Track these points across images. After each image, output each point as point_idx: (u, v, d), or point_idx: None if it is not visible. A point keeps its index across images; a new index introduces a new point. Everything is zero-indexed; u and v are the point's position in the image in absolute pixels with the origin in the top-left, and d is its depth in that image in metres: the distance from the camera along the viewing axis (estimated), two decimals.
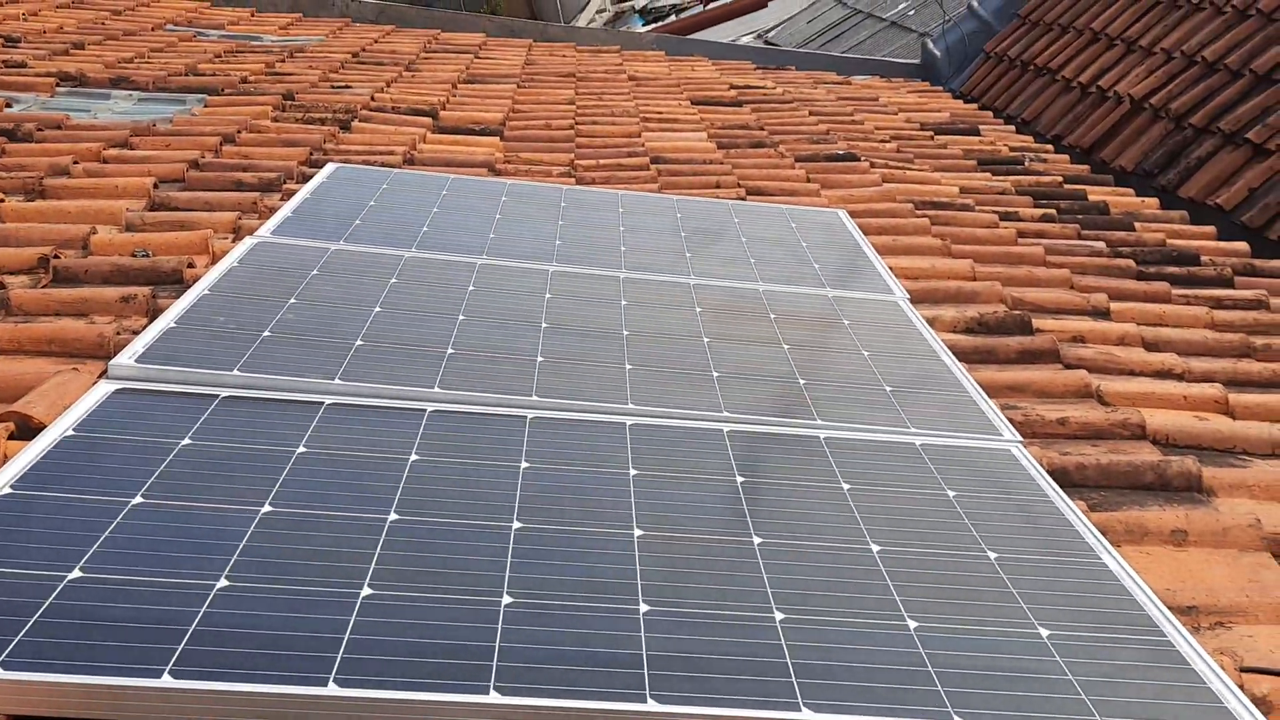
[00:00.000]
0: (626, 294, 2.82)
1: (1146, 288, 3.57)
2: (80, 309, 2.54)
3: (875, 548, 1.77)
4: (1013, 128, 6.28)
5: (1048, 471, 2.25)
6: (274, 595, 1.48)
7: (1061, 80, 6.53)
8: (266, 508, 1.70)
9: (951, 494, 1.98)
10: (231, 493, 1.73)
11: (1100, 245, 3.96)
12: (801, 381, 2.40)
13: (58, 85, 4.83)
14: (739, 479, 1.96)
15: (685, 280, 2.97)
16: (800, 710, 1.37)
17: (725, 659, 1.45)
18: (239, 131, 4.25)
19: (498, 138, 4.74)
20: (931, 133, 5.77)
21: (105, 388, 2.05)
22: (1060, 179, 4.97)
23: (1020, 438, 2.26)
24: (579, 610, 1.52)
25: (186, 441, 1.88)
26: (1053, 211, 4.36)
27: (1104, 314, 3.31)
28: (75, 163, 3.60)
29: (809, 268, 3.19)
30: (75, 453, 1.80)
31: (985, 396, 2.44)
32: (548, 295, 2.74)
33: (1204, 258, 3.94)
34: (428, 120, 4.86)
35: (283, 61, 5.94)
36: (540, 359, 2.36)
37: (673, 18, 18.28)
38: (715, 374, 2.39)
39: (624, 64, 7.08)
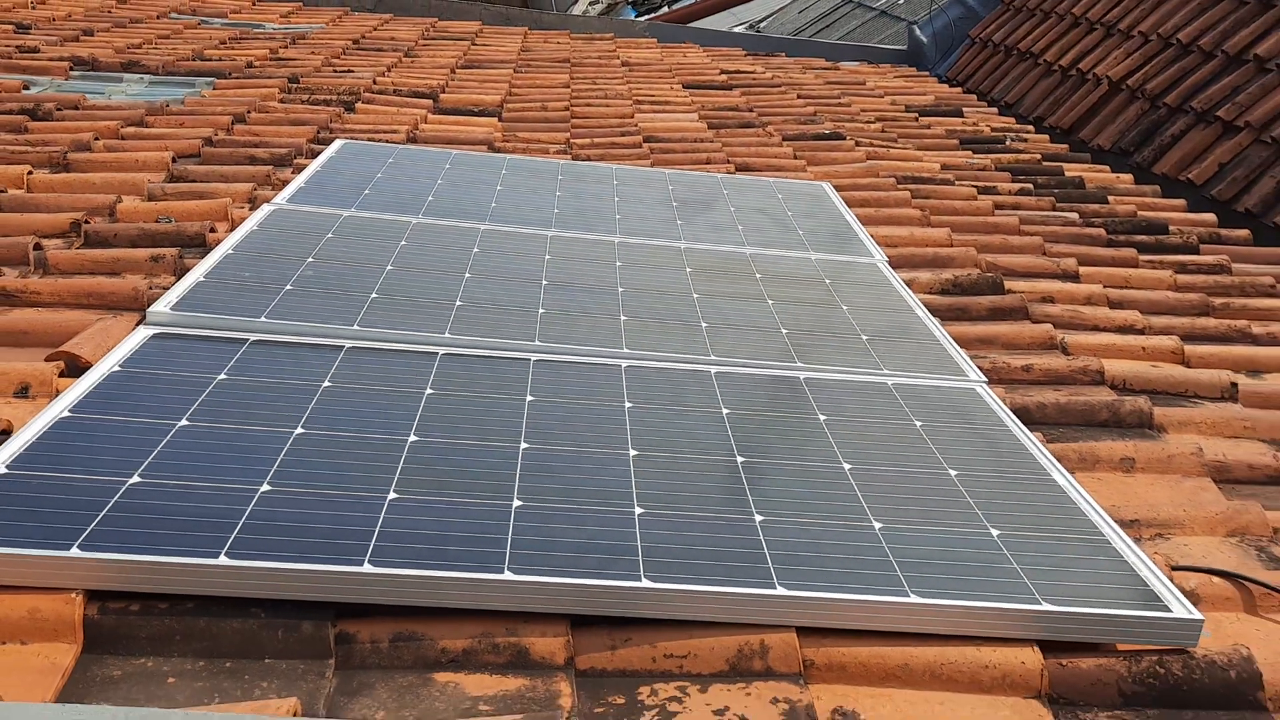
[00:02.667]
0: (621, 256, 3.01)
1: (1115, 253, 3.77)
2: (112, 268, 2.72)
3: (847, 466, 1.97)
4: (995, 110, 6.46)
5: (1012, 411, 2.44)
6: (311, 497, 1.67)
7: (1043, 64, 6.72)
8: (299, 430, 1.89)
9: (919, 424, 2.18)
10: (266, 418, 1.92)
11: (1073, 216, 4.15)
12: (784, 331, 2.60)
13: (71, 69, 5.00)
14: (724, 411, 2.15)
15: (676, 244, 3.16)
16: (775, 587, 1.56)
17: (710, 549, 1.64)
18: (248, 112, 4.43)
19: (496, 118, 4.92)
20: (916, 114, 5.95)
21: (145, 332, 2.23)
22: (1039, 156, 5.16)
23: (985, 378, 2.46)
24: (581, 512, 1.72)
25: (222, 376, 2.07)
26: (1030, 186, 4.55)
27: (1073, 277, 3.50)
28: (96, 139, 3.78)
29: (793, 234, 3.38)
30: (123, 385, 1.99)
31: (955, 345, 2.63)
32: (547, 257, 2.93)
33: (1172, 227, 4.13)
34: (428, 102, 5.03)
35: (285, 48, 6.11)
36: (542, 310, 2.55)
37: (665, 9, 18.43)
38: (704, 324, 2.58)
39: (617, 50, 7.26)
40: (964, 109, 6.21)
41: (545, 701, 1.46)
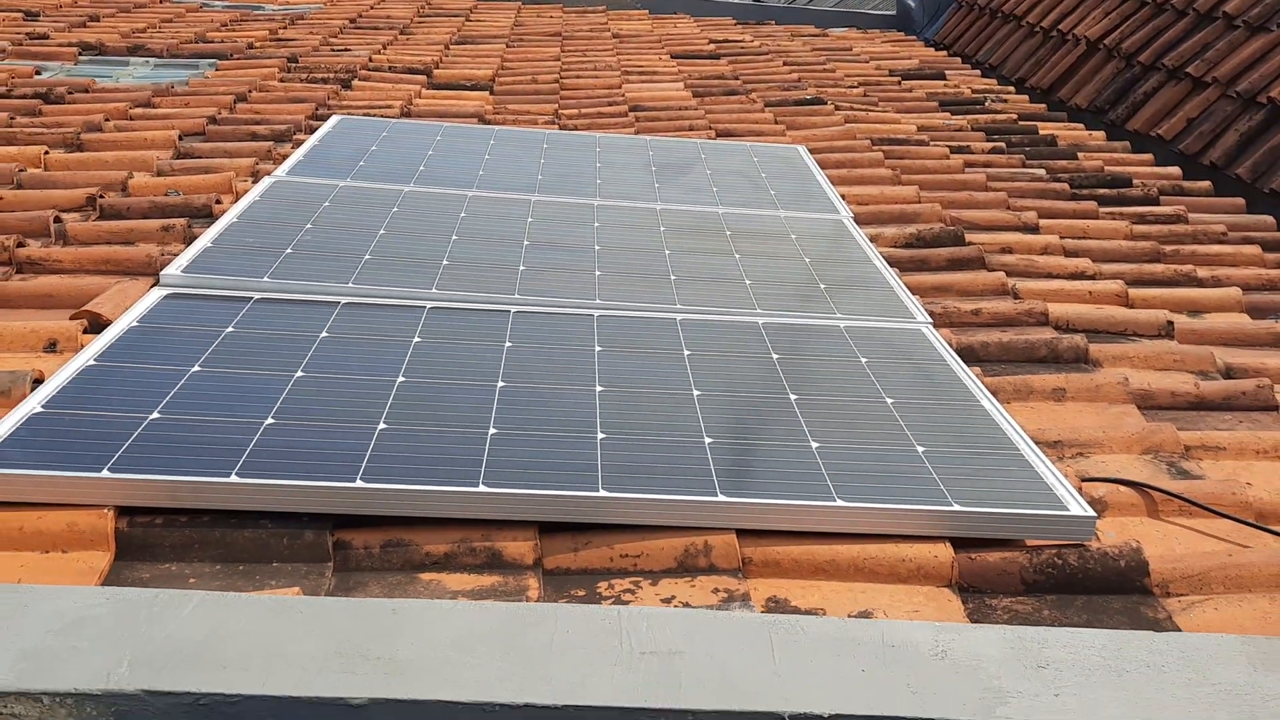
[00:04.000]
0: (599, 217, 3.21)
1: (1076, 206, 3.96)
2: (127, 237, 2.94)
3: (793, 396, 2.18)
4: (978, 72, 6.62)
5: (955, 350, 2.65)
6: (310, 428, 1.89)
7: (1026, 25, 6.87)
8: (299, 373, 2.11)
9: (864, 360, 2.39)
10: (270, 363, 2.14)
11: (1040, 172, 4.34)
12: (747, 282, 2.80)
13: (80, 54, 5.21)
14: (686, 352, 2.36)
15: (652, 205, 3.36)
16: (717, 495, 1.78)
17: (662, 466, 1.86)
18: (249, 91, 4.63)
19: (488, 92, 5.11)
20: (899, 78, 6.12)
21: (159, 292, 2.45)
22: (1015, 116, 5.33)
23: (930, 320, 2.66)
24: (549, 436, 1.93)
25: (230, 329, 2.29)
26: (1002, 145, 4.73)
27: (1033, 229, 3.69)
28: (106, 120, 4.00)
29: (765, 194, 3.58)
30: (141, 338, 2.21)
31: (907, 292, 2.84)
32: (529, 220, 3.14)
33: (1136, 180, 4.31)
34: (422, 78, 5.23)
35: (284, 28, 6.31)
36: (522, 268, 2.76)
37: None
38: (673, 277, 2.79)
39: (609, 23, 7.43)
40: (946, 72, 6.38)
41: (516, 594, 1.68)
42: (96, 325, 2.37)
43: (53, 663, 1.26)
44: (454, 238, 2.93)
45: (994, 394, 2.44)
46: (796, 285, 2.81)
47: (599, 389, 2.15)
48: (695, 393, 2.17)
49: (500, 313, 2.50)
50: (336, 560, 1.72)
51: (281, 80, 4.96)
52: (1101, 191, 4.14)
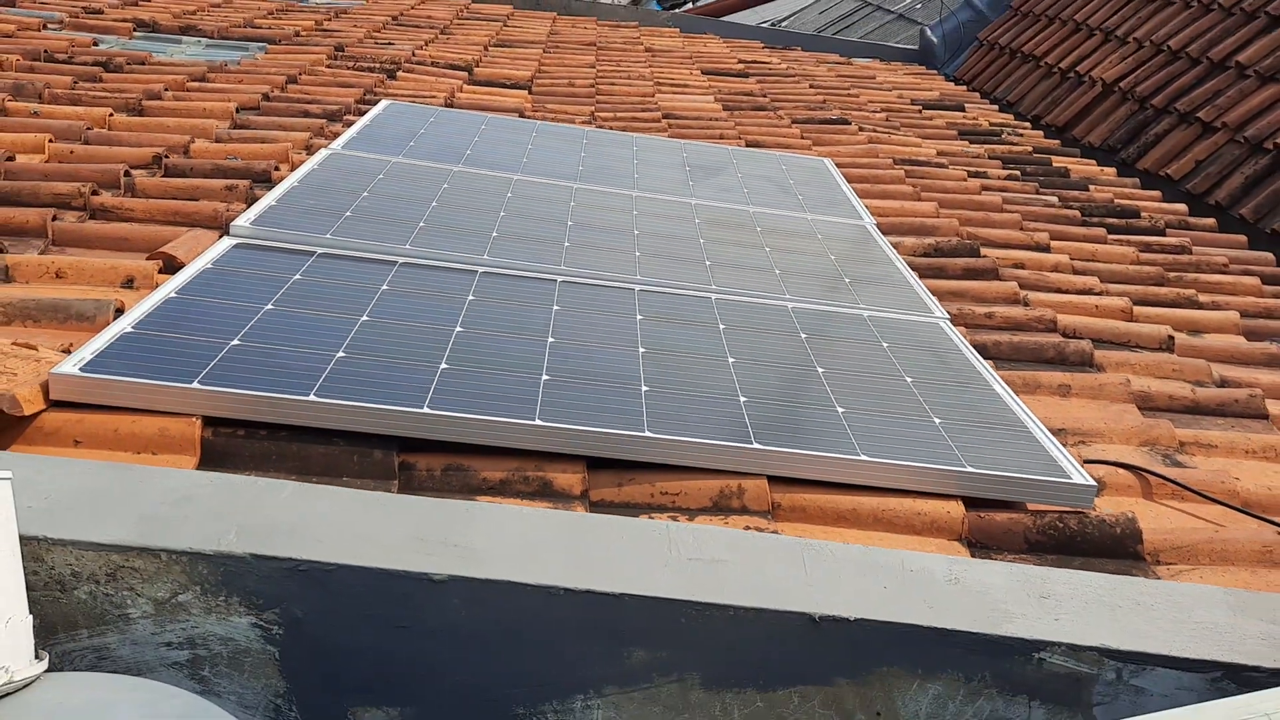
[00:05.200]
0: (637, 207, 3.39)
1: (1086, 231, 4.13)
2: (192, 194, 3.11)
3: (821, 370, 2.35)
4: (996, 107, 6.82)
5: (972, 347, 2.82)
6: (379, 362, 2.05)
7: (1044, 66, 7.08)
8: (365, 317, 2.27)
9: (885, 345, 2.56)
10: (337, 308, 2.30)
11: (1053, 199, 4.52)
12: (777, 271, 2.97)
13: (135, 30, 5.40)
14: (721, 326, 2.53)
15: (687, 200, 3.54)
16: (751, 443, 1.94)
17: (700, 415, 2.02)
18: (299, 74, 4.82)
19: (527, 91, 5.30)
20: (920, 107, 6.32)
21: (229, 241, 2.62)
22: (1030, 149, 5.53)
23: (948, 316, 2.83)
24: (597, 385, 2.10)
25: (298, 277, 2.45)
26: (1017, 173, 4.91)
27: (1044, 248, 3.87)
28: (165, 89, 4.17)
29: (793, 198, 3.76)
30: (216, 279, 2.37)
31: (926, 291, 3.00)
32: (572, 204, 3.31)
33: (1144, 213, 4.50)
34: (464, 74, 5.42)
35: (329, 20, 6.51)
36: (567, 244, 2.93)
37: (689, 4, 18.81)
38: (707, 262, 2.96)
39: (641, 38, 7.64)
40: (966, 104, 6.58)
41: None
42: (171, 266, 2.54)
43: (168, 527, 1.42)
44: (501, 214, 3.10)
45: (1006, 385, 2.60)
46: (822, 278, 2.98)
47: (641, 350, 2.31)
48: (730, 359, 2.33)
49: (548, 281, 2.66)
50: (401, 480, 1.88)
51: (329, 66, 5.15)
52: (1111, 220, 4.32)
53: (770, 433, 2.00)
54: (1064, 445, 2.35)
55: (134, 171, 3.24)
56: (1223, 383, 2.84)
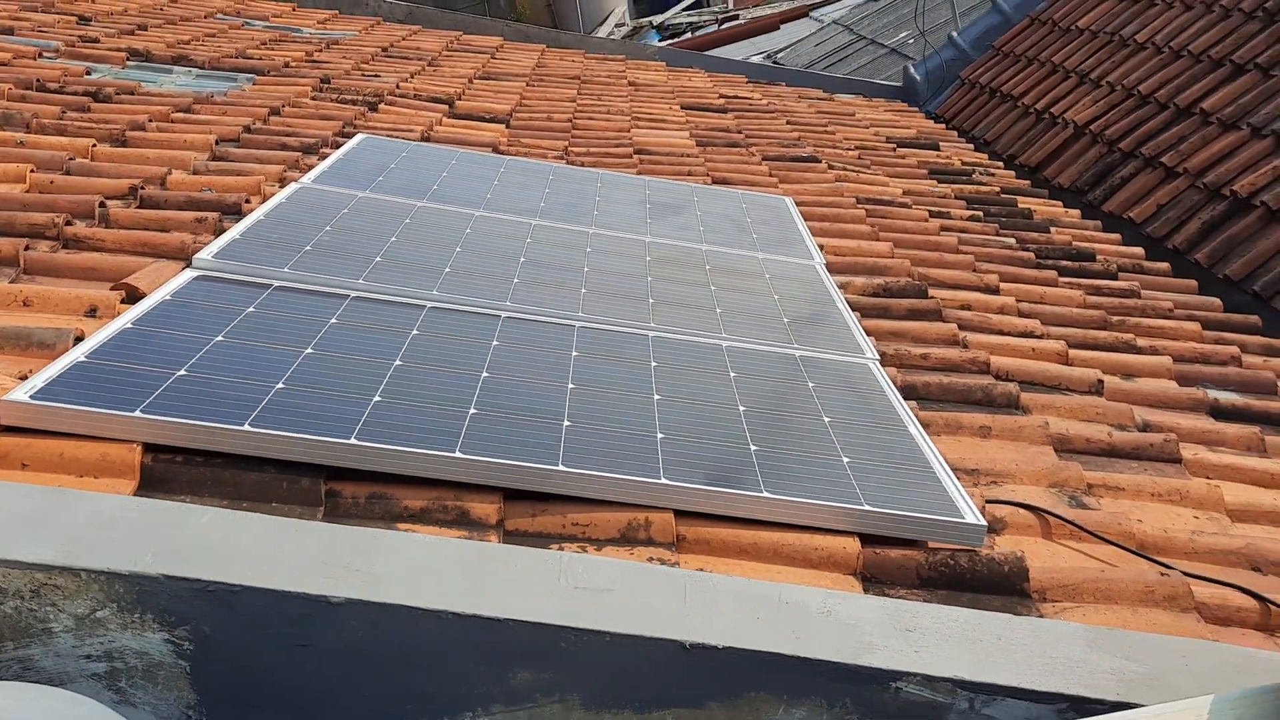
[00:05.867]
0: (592, 244, 3.52)
1: (1038, 274, 4.26)
2: (163, 225, 3.24)
3: (741, 408, 2.46)
4: (972, 146, 6.97)
5: (900, 387, 2.94)
6: (315, 394, 2.17)
7: (1021, 106, 7.23)
8: (309, 350, 2.40)
9: (811, 385, 2.67)
10: (284, 340, 2.43)
11: (1011, 241, 4.65)
12: (718, 310, 3.10)
13: (128, 59, 5.56)
14: (652, 364, 2.65)
15: (642, 238, 3.67)
16: (660, 478, 2.05)
17: (616, 451, 2.14)
18: (283, 106, 4.97)
19: (504, 125, 5.45)
20: (895, 145, 6.47)
21: (190, 273, 2.75)
22: (999, 189, 5.66)
23: (878, 358, 2.95)
24: (522, 419, 2.21)
25: (251, 309, 2.58)
26: (980, 214, 5.04)
27: (994, 290, 3.99)
28: (149, 120, 4.32)
29: (748, 236, 3.89)
30: (172, 310, 2.50)
31: (862, 332, 3.13)
32: (528, 240, 3.44)
33: (1100, 256, 4.62)
34: (444, 107, 5.57)
35: (320, 51, 6.67)
36: (516, 280, 3.06)
37: (689, 35, 19.07)
38: (651, 300, 3.08)
39: (627, 71, 7.81)
40: (941, 143, 6.72)
41: None
42: (133, 297, 2.66)
43: (90, 548, 1.54)
44: (457, 250, 3.23)
45: (926, 426, 2.72)
46: (762, 317, 3.10)
47: (571, 386, 2.43)
48: (655, 397, 2.45)
49: (492, 316, 2.79)
50: (327, 506, 2.00)
51: (313, 98, 5.30)
52: (1065, 263, 4.45)
53: (681, 468, 2.12)
54: (976, 485, 2.47)
55: (110, 202, 3.37)
56: (1145, 427, 2.95)
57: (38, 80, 4.67)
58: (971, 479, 2.49)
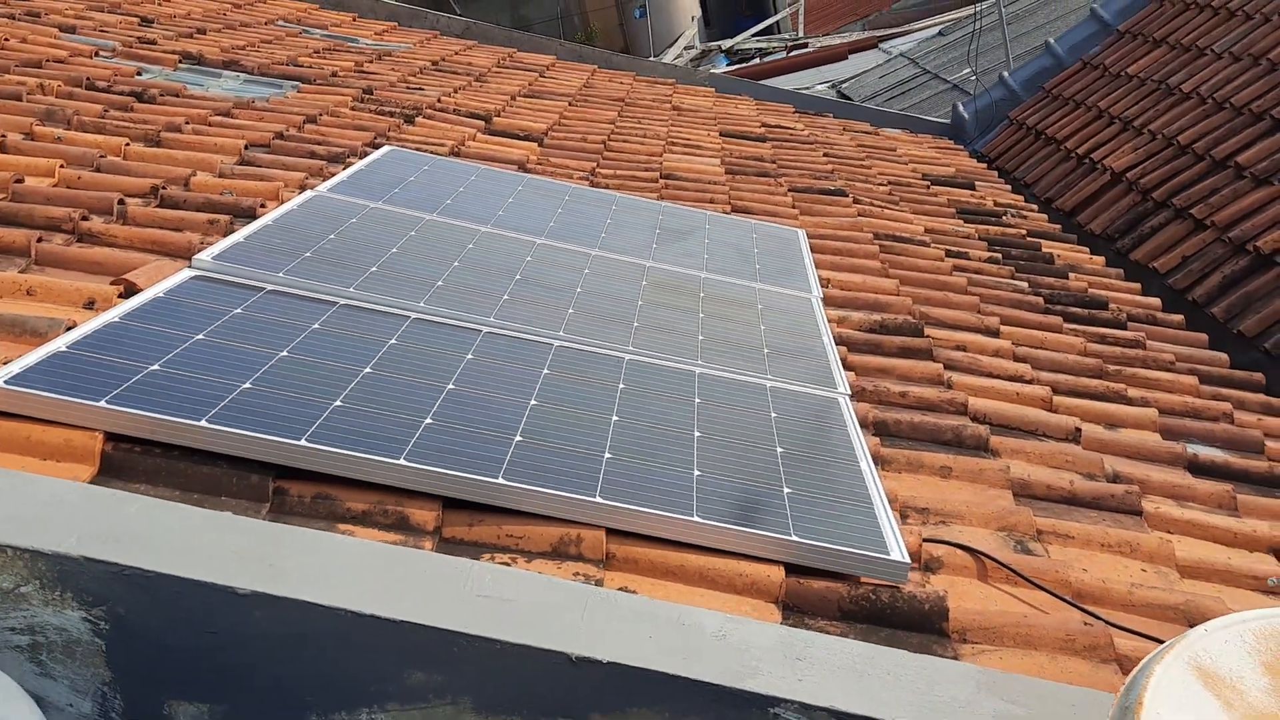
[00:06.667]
0: (591, 265, 3.60)
1: (1043, 319, 4.25)
2: (177, 225, 3.39)
3: (697, 434, 2.52)
4: (1009, 187, 6.94)
5: (872, 424, 2.97)
6: (276, 395, 2.28)
7: (1064, 150, 7.19)
8: (284, 353, 2.51)
9: (773, 415, 2.72)
10: (262, 342, 2.54)
11: (1023, 285, 4.64)
12: (700, 337, 3.16)
13: (180, 62, 5.78)
14: (620, 386, 2.72)
15: (642, 262, 3.74)
16: (595, 496, 2.12)
17: (559, 467, 2.21)
18: (320, 114, 5.13)
19: (537, 143, 5.56)
20: (929, 183, 6.48)
21: (187, 273, 2.88)
22: (1025, 232, 5.65)
23: (849, 393, 2.99)
24: (474, 433, 2.30)
25: (237, 311, 2.70)
26: (999, 256, 5.04)
27: (993, 333, 3.99)
28: (186, 123, 4.50)
29: (750, 266, 3.95)
30: (161, 307, 2.63)
31: (840, 367, 3.17)
32: (528, 259, 3.53)
33: (1113, 305, 4.60)
34: (481, 123, 5.70)
35: (370, 62, 6.86)
36: (505, 297, 3.15)
37: (757, 60, 19.16)
38: (635, 324, 3.16)
39: (673, 96, 7.90)
40: (977, 183, 6.71)
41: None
42: (130, 292, 2.80)
43: (22, 527, 1.65)
44: (455, 264, 3.33)
45: (887, 464, 2.76)
46: (743, 347, 3.15)
47: (533, 403, 2.51)
48: (614, 418, 2.52)
49: (473, 331, 2.88)
50: (274, 503, 2.09)
51: (352, 108, 5.47)
52: (1074, 310, 4.43)
53: (619, 488, 2.18)
54: (923, 524, 2.50)
55: (130, 200, 3.53)
56: (1114, 478, 2.95)
57: (88, 79, 4.89)
58: (920, 517, 2.52)
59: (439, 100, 6.01)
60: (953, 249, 5.00)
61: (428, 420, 2.31)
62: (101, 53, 5.63)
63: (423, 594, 1.68)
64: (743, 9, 23.77)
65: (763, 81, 15.85)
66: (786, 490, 2.33)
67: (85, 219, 3.24)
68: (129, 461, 2.09)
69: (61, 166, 3.65)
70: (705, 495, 2.23)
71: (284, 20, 7.93)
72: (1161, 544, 2.53)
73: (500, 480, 2.13)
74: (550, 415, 2.46)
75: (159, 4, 7.47)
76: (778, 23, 21.43)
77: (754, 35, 20.43)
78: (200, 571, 1.61)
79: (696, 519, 2.13)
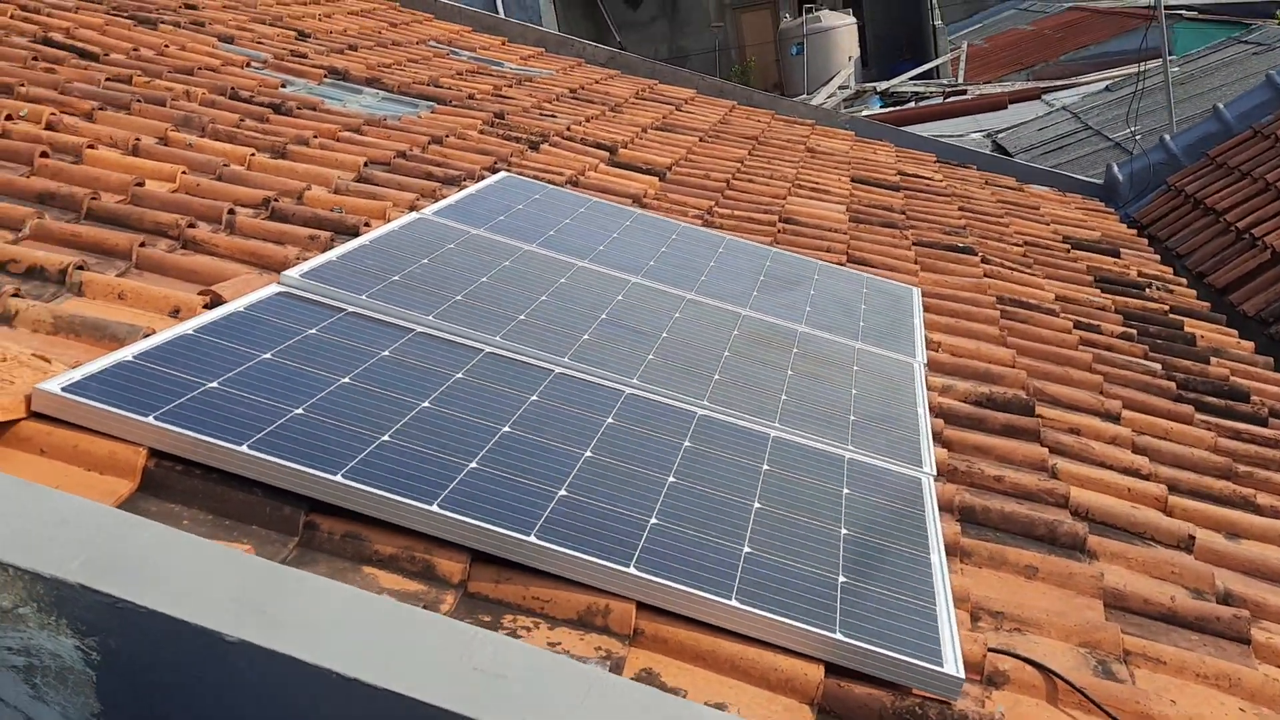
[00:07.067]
0: (683, 310, 3.49)
1: (1172, 407, 3.94)
2: (279, 238, 3.43)
3: (756, 505, 2.38)
4: (1158, 257, 6.54)
5: (959, 509, 2.77)
6: (326, 424, 2.24)
7: (1223, 222, 6.74)
8: (345, 379, 2.47)
9: (846, 491, 2.56)
10: (327, 367, 2.51)
11: (1156, 366, 4.32)
12: (782, 398, 3.01)
13: (325, 76, 5.94)
14: (685, 444, 2.60)
15: (738, 310, 3.61)
16: (629, 567, 2.00)
17: (597, 530, 2.10)
18: (447, 136, 5.18)
19: (659, 178, 5.50)
20: (1069, 246, 6.15)
21: (274, 288, 2.89)
22: (1168, 308, 5.29)
23: (934, 473, 2.79)
24: (516, 483, 2.21)
25: (311, 331, 2.69)
26: (1134, 332, 4.72)
27: (1114, 418, 3.71)
28: (314, 137, 4.59)
29: (854, 323, 3.77)
30: (238, 322, 2.63)
31: (930, 442, 2.97)
32: (619, 298, 3.45)
33: (1255, 398, 4.24)
34: (605, 154, 5.67)
35: (509, 87, 6.93)
36: (585, 337, 3.07)
37: (912, 104, 18.78)
38: (716, 377, 3.03)
39: (811, 137, 7.74)
40: (1123, 250, 6.35)
41: (430, 604, 1.96)
42: (215, 303, 2.82)
43: (27, 545, 1.63)
44: (542, 298, 3.27)
45: (966, 556, 2.56)
46: (827, 412, 2.99)
47: (587, 455, 2.41)
48: (669, 479, 2.40)
49: (544, 370, 2.80)
50: (303, 537, 2.05)
51: (481, 132, 5.51)
52: (1209, 399, 4.10)
53: (658, 559, 2.06)
54: (996, 630, 2.29)
55: (241, 210, 3.60)
56: (1225, 597, 2.67)
57: (232, 88, 5.05)
58: (992, 622, 2.32)
59: (568, 129, 6.01)
60: (1083, 320, 4.71)
61: (473, 464, 2.24)
62: (253, 63, 5.83)
63: (416, 661, 1.59)
64: (903, 52, 23.39)
65: (915, 126, 15.51)
66: (841, 579, 2.17)
67: (192, 226, 3.30)
68: (170, 480, 2.08)
69: (184, 173, 3.75)
70: (750, 575, 2.09)
71: (435, 41, 8.11)
72: (1267, 683, 2.26)
73: (532, 538, 2.03)
74: (603, 470, 2.36)
75: (319, 19, 7.73)
76: (937, 68, 20.99)
77: (911, 79, 20.05)
78: (191, 613, 1.56)
79: (734, 603, 1.99)
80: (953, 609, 2.16)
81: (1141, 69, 8.84)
